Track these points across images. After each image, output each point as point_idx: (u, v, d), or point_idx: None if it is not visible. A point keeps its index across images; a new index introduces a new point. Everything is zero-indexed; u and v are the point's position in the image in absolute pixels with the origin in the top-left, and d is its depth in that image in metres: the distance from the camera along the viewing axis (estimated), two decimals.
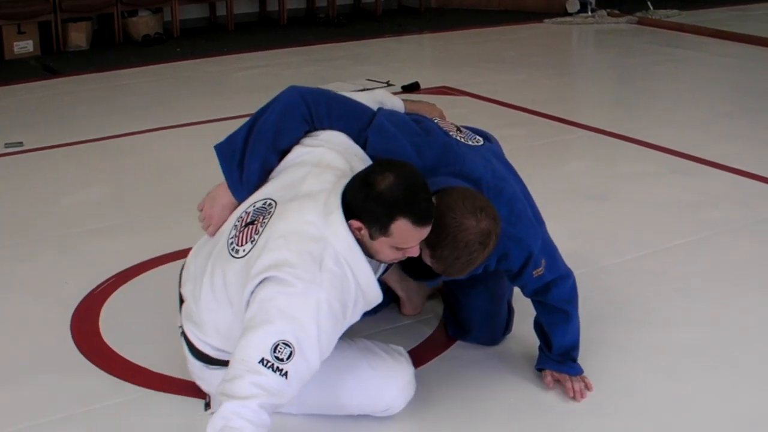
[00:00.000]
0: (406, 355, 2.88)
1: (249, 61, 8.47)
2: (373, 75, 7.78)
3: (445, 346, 3.30)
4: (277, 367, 2.35)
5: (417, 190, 2.48)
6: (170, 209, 4.56)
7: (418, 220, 2.47)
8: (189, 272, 2.84)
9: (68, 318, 3.52)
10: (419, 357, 3.19)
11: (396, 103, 3.07)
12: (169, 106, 6.99)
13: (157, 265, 3.95)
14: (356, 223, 2.49)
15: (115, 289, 3.79)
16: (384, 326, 3.43)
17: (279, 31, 9.93)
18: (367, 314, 3.35)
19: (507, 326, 3.29)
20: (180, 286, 2.88)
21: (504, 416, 2.89)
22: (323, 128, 2.82)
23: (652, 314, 3.50)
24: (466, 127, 3.10)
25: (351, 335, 3.19)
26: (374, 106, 2.96)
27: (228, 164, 2.83)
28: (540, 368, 3.03)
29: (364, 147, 2.80)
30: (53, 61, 8.51)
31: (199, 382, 2.84)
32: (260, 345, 2.37)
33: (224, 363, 2.53)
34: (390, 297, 3.44)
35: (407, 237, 2.49)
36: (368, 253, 2.55)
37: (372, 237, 2.50)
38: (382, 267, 3.13)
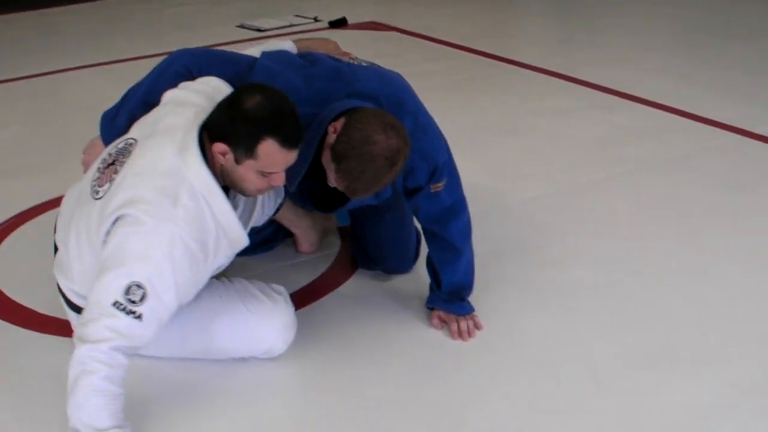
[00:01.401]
0: (286, 295, 2.82)
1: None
2: (301, 10, 7.66)
3: (339, 282, 3.25)
4: (130, 310, 2.29)
5: (285, 111, 2.40)
6: (77, 150, 4.42)
7: (286, 141, 2.38)
8: (61, 219, 2.75)
9: None
10: (312, 294, 3.16)
11: (285, 45, 2.98)
12: (93, 44, 6.86)
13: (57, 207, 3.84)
14: (221, 146, 2.39)
15: (13, 231, 3.71)
16: (281, 262, 3.39)
17: None
18: (262, 250, 3.41)
19: (416, 252, 3.26)
20: (54, 234, 2.80)
21: (389, 355, 2.83)
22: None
23: (554, 252, 3.44)
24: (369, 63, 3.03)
25: (241, 272, 3.16)
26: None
27: (105, 118, 2.85)
28: (430, 307, 2.99)
29: None
30: None
31: None
32: (112, 287, 2.30)
33: None
34: (284, 233, 3.41)
35: (274, 160, 2.40)
36: (234, 182, 2.47)
37: (237, 161, 2.40)
38: (271, 206, 3.08)
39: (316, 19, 7.31)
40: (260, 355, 2.75)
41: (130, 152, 2.49)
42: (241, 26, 7.26)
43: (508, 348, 2.86)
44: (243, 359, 2.76)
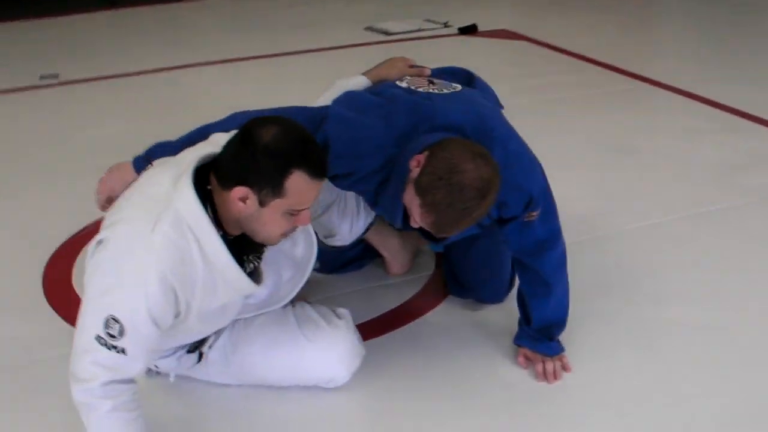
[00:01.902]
0: (348, 320, 2.68)
1: None
2: (433, 15, 7.52)
3: (426, 309, 3.10)
4: (112, 345, 2.12)
5: (307, 139, 2.17)
6: None
7: (315, 171, 2.14)
8: None
9: (45, 260, 3.42)
10: (397, 319, 3.03)
11: (357, 81, 2.83)
12: (214, 41, 6.90)
13: None
14: (241, 191, 2.13)
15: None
16: (369, 283, 3.26)
17: None
18: (351, 269, 3.30)
19: (511, 282, 3.07)
20: None
21: (464, 392, 2.65)
22: None
23: (660, 287, 3.20)
24: (445, 71, 2.88)
25: (324, 291, 3.09)
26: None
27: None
28: (518, 344, 2.80)
29: (325, 145, 2.50)
30: None
31: None
32: (92, 322, 2.14)
33: None
34: (375, 251, 3.27)
35: (304, 194, 2.16)
36: (256, 230, 2.23)
37: (263, 203, 2.15)
38: (360, 226, 2.94)
39: (446, 25, 7.16)
40: (323, 384, 2.62)
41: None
42: (369, 29, 7.16)
43: (589, 393, 2.65)
44: (306, 387, 2.64)
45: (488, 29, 7.07)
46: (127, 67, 6.14)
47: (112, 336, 2.11)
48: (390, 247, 3.22)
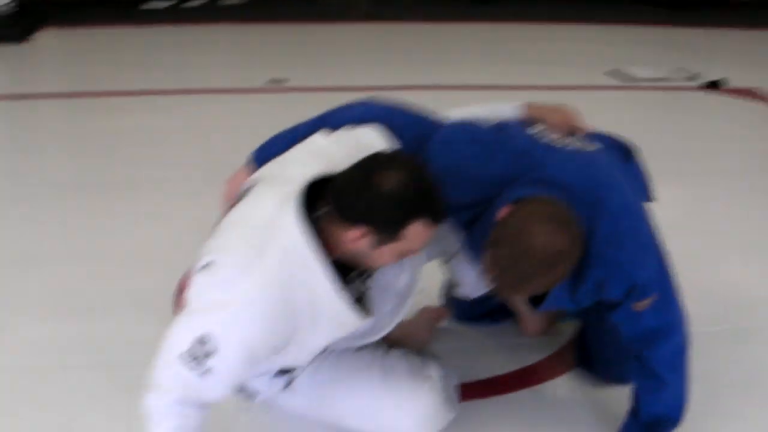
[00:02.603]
0: (437, 380, 2.54)
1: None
2: (685, 63, 7.15)
3: (544, 379, 2.91)
4: (196, 365, 2.08)
5: (430, 186, 2.14)
6: None
7: (436, 218, 2.15)
8: None
9: None
10: (508, 384, 2.87)
11: (506, 109, 2.66)
12: (424, 65, 6.90)
13: None
14: (359, 232, 2.13)
15: None
16: (495, 339, 3.09)
17: None
18: (485, 322, 3.15)
19: None
20: None
21: None
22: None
23: None
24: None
25: (444, 342, 2.98)
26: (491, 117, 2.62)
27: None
28: None
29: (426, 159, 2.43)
30: (380, 7, 8.59)
31: None
32: (181, 338, 2.11)
33: None
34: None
35: (422, 240, 2.17)
36: (361, 262, 2.23)
37: (378, 243, 2.16)
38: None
39: (693, 78, 6.78)
40: None
41: (243, 197, 2.32)
42: (613, 72, 6.90)
43: None
44: None
45: (734, 86, 6.62)
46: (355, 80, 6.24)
47: (198, 357, 2.08)
48: (523, 305, 3.04)
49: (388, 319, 2.51)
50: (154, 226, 3.88)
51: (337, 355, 2.56)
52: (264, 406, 2.61)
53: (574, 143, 2.50)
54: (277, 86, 5.88)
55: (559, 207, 2.21)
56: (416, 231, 2.13)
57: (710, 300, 3.29)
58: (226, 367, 2.10)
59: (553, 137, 2.50)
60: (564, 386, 2.88)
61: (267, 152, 2.50)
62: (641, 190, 2.63)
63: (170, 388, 2.11)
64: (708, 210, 4.26)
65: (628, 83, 6.63)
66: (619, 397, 2.69)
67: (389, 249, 2.16)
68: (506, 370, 2.94)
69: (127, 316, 3.15)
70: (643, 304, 2.36)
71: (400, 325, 2.80)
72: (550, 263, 2.14)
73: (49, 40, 7.82)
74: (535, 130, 2.53)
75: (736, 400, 2.79)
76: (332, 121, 2.47)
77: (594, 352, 2.85)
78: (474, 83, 6.31)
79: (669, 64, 7.16)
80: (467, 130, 2.49)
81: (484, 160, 2.40)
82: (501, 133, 2.49)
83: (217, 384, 2.12)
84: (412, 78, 6.36)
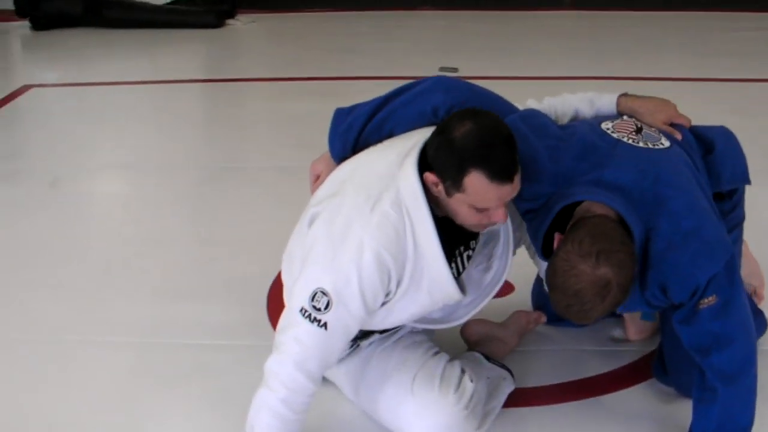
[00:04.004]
0: (464, 395, 2.49)
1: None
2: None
3: (616, 388, 2.84)
4: (315, 318, 2.20)
5: (496, 141, 2.18)
6: None
7: (495, 175, 2.17)
8: None
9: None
10: (573, 391, 2.83)
11: (604, 100, 2.68)
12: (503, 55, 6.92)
13: None
14: (432, 177, 2.23)
15: None
16: (587, 345, 3.04)
17: None
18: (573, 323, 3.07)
19: None
20: None
21: None
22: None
23: None
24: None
25: (528, 345, 2.98)
26: (585, 106, 2.67)
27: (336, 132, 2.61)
28: None
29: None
30: None
31: None
32: (300, 293, 2.24)
33: None
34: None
35: (484, 195, 2.20)
36: (449, 214, 2.30)
37: (448, 193, 2.22)
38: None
39: None
40: None
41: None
42: None
43: None
44: None
45: None
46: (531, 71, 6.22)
47: (317, 309, 2.21)
48: None
49: (464, 311, 2.58)
50: None
51: (392, 344, 2.62)
52: None
53: (641, 140, 2.49)
54: (449, 74, 5.95)
55: (606, 233, 2.23)
56: (474, 183, 2.17)
57: None
58: (342, 317, 2.22)
59: (620, 132, 2.50)
60: (633, 396, 2.82)
61: (348, 124, 2.58)
62: (727, 178, 2.61)
63: (291, 349, 2.24)
64: None
65: None
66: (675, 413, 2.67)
67: (459, 200, 2.22)
68: (576, 377, 2.89)
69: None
70: (705, 302, 2.32)
71: (491, 327, 2.86)
72: (604, 294, 2.19)
73: (244, 26, 8.24)
74: (609, 124, 2.53)
75: None
76: (409, 95, 2.56)
77: (668, 362, 2.77)
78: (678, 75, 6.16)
79: None
80: (536, 122, 2.51)
81: (546, 155, 2.43)
82: (570, 130, 2.52)
83: (334, 336, 2.24)
84: (586, 68, 6.31)
